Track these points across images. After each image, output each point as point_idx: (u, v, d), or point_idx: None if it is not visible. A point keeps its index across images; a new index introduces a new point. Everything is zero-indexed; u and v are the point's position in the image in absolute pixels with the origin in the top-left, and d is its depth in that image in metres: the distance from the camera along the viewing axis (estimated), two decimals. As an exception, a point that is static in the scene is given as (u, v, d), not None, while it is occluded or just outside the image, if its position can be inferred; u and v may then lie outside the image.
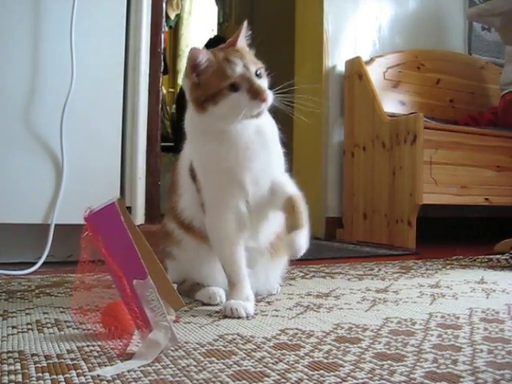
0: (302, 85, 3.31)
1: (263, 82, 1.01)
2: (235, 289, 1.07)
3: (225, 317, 1.02)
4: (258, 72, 1.01)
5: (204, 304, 1.13)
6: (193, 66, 1.01)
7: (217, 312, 1.06)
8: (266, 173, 1.08)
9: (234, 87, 0.98)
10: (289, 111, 1.02)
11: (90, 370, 0.68)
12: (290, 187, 1.10)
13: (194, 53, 1.01)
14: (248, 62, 1.00)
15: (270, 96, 0.99)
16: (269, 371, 0.68)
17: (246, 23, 1.10)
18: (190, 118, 1.08)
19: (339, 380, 0.65)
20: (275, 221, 1.17)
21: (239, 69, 0.99)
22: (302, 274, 1.60)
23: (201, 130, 1.06)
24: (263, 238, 1.15)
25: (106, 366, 0.70)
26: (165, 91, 5.19)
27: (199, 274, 1.19)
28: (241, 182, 1.06)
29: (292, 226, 1.03)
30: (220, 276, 1.14)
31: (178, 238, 1.18)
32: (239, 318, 1.00)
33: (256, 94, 0.98)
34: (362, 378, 0.66)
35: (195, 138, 1.10)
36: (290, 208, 1.05)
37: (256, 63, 1.02)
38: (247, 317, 1.01)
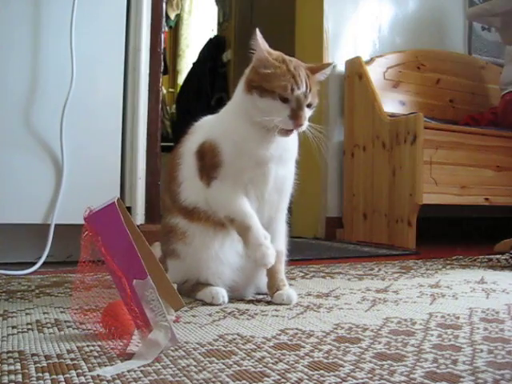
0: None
1: (307, 113, 1.08)
2: (251, 231, 1.09)
3: (254, 260, 1.09)
4: (310, 105, 1.09)
5: (205, 304, 1.13)
6: (264, 61, 1.07)
7: (217, 312, 1.06)
8: (285, 179, 1.16)
9: (284, 100, 1.05)
10: (315, 143, 1.14)
11: (90, 370, 0.68)
12: (281, 241, 1.19)
13: (263, 54, 1.07)
14: (308, 92, 1.07)
15: (305, 125, 1.08)
16: (269, 371, 0.68)
17: (331, 66, 1.16)
18: (236, 95, 1.15)
19: (339, 380, 0.65)
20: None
21: (299, 93, 1.05)
22: (302, 274, 1.60)
23: (242, 110, 1.11)
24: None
25: (106, 365, 0.70)
26: (165, 91, 5.19)
27: (205, 269, 1.18)
28: (265, 172, 1.11)
29: (274, 287, 1.15)
30: (227, 269, 1.16)
31: (183, 229, 1.17)
32: (269, 264, 1.08)
33: (295, 117, 1.06)
34: (362, 378, 0.66)
35: (234, 116, 1.14)
36: (272, 272, 1.16)
37: (314, 98, 1.09)
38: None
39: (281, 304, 1.13)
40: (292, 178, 1.19)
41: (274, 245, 1.12)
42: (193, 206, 1.16)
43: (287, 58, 1.10)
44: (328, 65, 1.13)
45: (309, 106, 1.08)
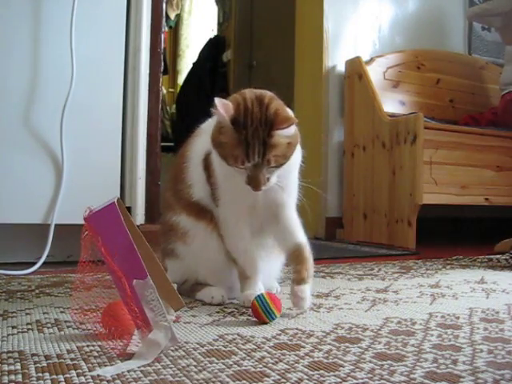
0: (302, 85, 3.32)
1: (270, 174, 1.00)
2: (249, 281, 1.11)
3: (242, 307, 1.09)
4: (274, 166, 0.99)
5: (204, 304, 1.13)
6: (221, 125, 0.99)
7: (217, 312, 1.06)
8: (279, 199, 1.11)
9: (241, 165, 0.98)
10: None
11: (90, 370, 0.68)
12: (299, 232, 1.14)
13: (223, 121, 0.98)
14: (262, 161, 0.97)
15: (267, 186, 1.00)
16: (269, 371, 0.68)
17: (293, 124, 0.99)
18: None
19: (339, 380, 0.65)
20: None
21: (249, 165, 0.97)
22: (302, 274, 1.59)
23: None
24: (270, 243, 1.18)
25: (106, 365, 0.70)
26: (165, 91, 5.19)
27: (205, 270, 1.18)
28: (253, 201, 1.09)
29: (298, 280, 1.06)
30: (227, 272, 1.16)
31: (185, 229, 1.16)
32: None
33: (251, 184, 0.99)
34: (362, 378, 0.66)
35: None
36: (299, 260, 1.10)
37: (278, 158, 0.98)
38: None
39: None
40: (293, 192, 1.15)
41: (296, 239, 1.11)
42: (201, 204, 1.15)
43: (251, 112, 0.97)
44: (289, 123, 0.97)
45: (272, 167, 0.98)
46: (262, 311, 0.95)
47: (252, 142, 0.96)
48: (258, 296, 0.97)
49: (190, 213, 1.16)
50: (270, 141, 0.96)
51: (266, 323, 0.95)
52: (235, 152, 0.97)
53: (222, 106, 0.97)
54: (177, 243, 1.19)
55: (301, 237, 1.13)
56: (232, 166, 0.99)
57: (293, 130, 0.99)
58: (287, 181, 1.10)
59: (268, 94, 1.04)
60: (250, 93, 1.02)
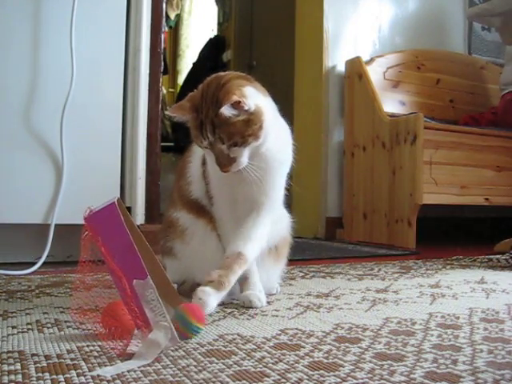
0: (302, 85, 3.32)
1: (236, 152, 0.99)
2: (248, 282, 1.11)
3: (242, 307, 1.09)
4: (235, 144, 0.98)
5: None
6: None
7: (217, 312, 1.06)
8: (257, 200, 1.09)
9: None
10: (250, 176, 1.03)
11: (90, 370, 0.68)
12: (248, 244, 1.08)
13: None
14: (216, 140, 0.98)
15: (236, 167, 1.00)
16: (269, 371, 0.68)
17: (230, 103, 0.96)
18: None
19: (339, 380, 0.65)
20: (281, 223, 1.22)
21: (205, 144, 1.00)
22: (302, 274, 1.60)
23: None
24: (268, 241, 1.16)
25: (106, 365, 0.70)
26: (165, 91, 5.19)
27: (203, 272, 1.18)
28: (234, 199, 1.10)
29: (206, 281, 1.01)
30: None
31: (184, 226, 1.16)
32: (256, 308, 1.08)
33: (218, 164, 1.00)
34: (362, 378, 0.66)
35: None
36: (221, 264, 1.05)
37: (233, 136, 0.97)
38: (261, 306, 1.09)
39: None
40: (272, 185, 1.10)
41: (240, 248, 1.06)
42: (201, 203, 1.16)
43: (205, 95, 0.99)
44: (231, 100, 0.94)
45: (234, 145, 0.98)
46: (181, 327, 0.82)
47: (205, 122, 0.98)
48: (175, 311, 0.85)
49: (191, 210, 1.16)
50: (218, 119, 0.97)
51: (190, 338, 0.83)
52: (195, 132, 1.01)
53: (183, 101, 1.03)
54: (175, 241, 1.19)
55: (246, 249, 1.06)
56: (199, 147, 1.03)
57: (247, 107, 0.97)
58: (268, 176, 1.07)
59: (231, 75, 1.04)
60: (215, 77, 1.05)
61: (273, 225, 1.15)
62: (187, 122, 1.03)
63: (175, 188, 1.24)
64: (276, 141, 1.07)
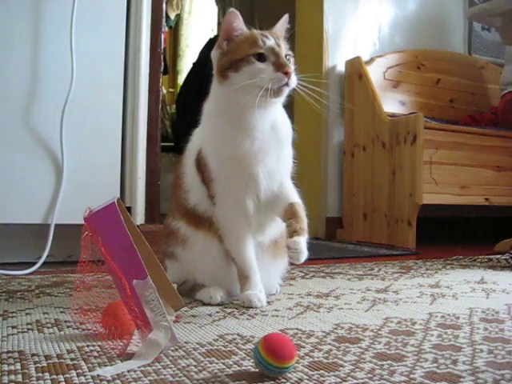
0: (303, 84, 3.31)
1: (285, 52, 1.03)
2: (248, 281, 1.11)
3: (242, 307, 1.09)
4: (288, 57, 1.04)
5: (204, 304, 1.13)
6: (228, 29, 1.04)
7: (217, 312, 1.06)
8: (278, 169, 1.10)
9: (260, 57, 1.01)
10: (309, 100, 1.04)
11: (90, 370, 0.68)
12: (293, 194, 1.12)
13: (231, 16, 1.04)
14: (280, 42, 1.04)
15: (294, 79, 1.02)
16: (269, 371, 0.68)
17: (286, 16, 1.13)
18: (211, 95, 1.11)
19: (339, 380, 0.65)
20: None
21: (270, 42, 1.02)
22: (302, 274, 1.60)
23: (220, 108, 1.07)
24: (269, 233, 1.17)
25: (106, 365, 0.70)
26: (165, 91, 5.18)
27: (204, 275, 1.18)
28: (253, 174, 1.07)
29: (295, 231, 1.03)
30: (226, 277, 1.16)
31: (185, 236, 1.17)
32: (255, 307, 1.08)
33: (280, 67, 1.00)
34: (362, 378, 0.66)
35: (212, 118, 1.10)
36: (291, 214, 1.07)
37: (287, 49, 1.05)
38: (261, 306, 1.09)
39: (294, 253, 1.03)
40: (289, 160, 1.14)
41: (290, 198, 1.09)
42: (198, 211, 1.15)
43: (241, 20, 1.08)
44: (282, 19, 1.11)
45: (287, 58, 1.04)
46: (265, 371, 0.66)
47: (260, 31, 1.05)
48: (254, 351, 0.68)
49: (189, 221, 1.16)
50: (276, 33, 1.08)
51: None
52: (251, 39, 1.03)
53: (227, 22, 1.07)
54: (177, 247, 1.19)
55: (295, 198, 1.11)
56: (254, 63, 1.00)
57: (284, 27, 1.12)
58: (284, 151, 1.11)
59: None
60: None
61: (272, 217, 1.14)
62: None
63: (173, 199, 1.25)
64: (284, 115, 1.13)
